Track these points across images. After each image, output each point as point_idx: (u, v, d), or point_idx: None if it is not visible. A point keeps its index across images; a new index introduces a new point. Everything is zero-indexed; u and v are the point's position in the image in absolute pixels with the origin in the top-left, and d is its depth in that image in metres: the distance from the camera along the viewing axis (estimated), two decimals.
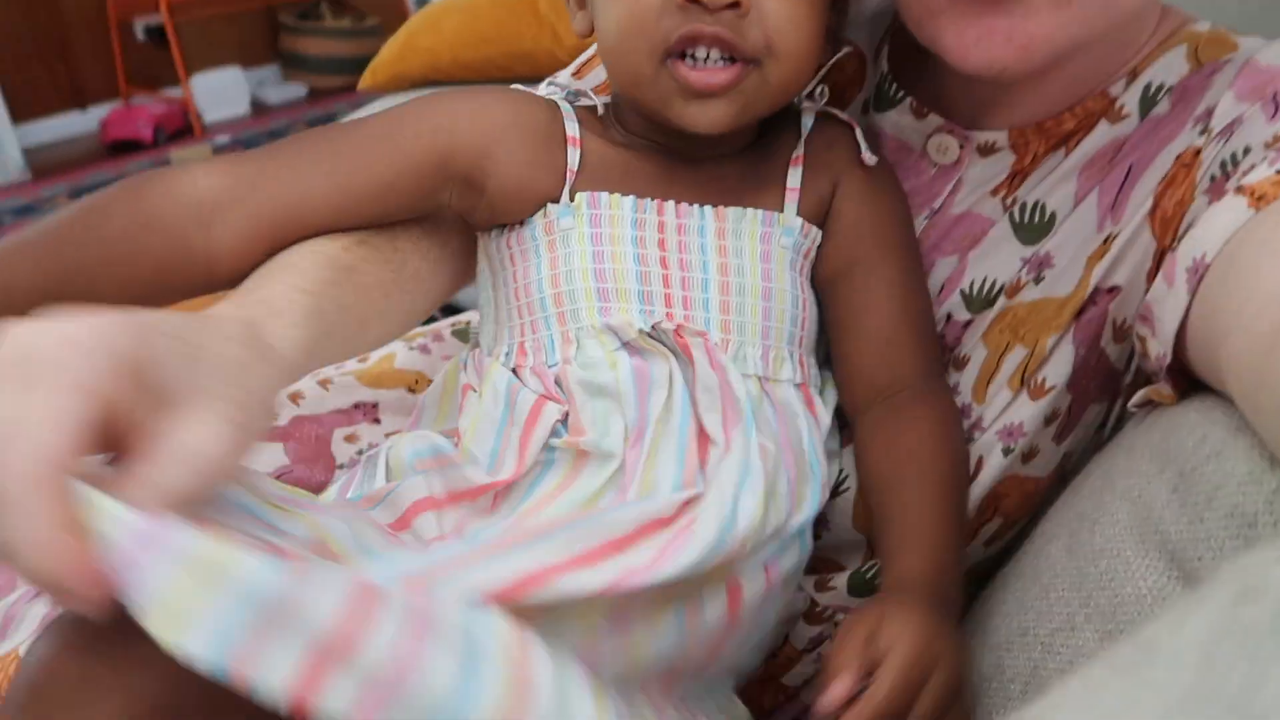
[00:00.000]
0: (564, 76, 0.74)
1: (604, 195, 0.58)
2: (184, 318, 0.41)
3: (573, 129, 0.60)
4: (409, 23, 2.27)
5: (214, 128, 3.83)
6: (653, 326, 0.56)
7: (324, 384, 0.84)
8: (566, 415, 0.55)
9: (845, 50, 0.65)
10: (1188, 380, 0.50)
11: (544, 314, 0.58)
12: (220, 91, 3.92)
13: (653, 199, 0.59)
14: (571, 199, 0.58)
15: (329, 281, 0.55)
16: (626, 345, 0.55)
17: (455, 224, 0.66)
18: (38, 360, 0.34)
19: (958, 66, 0.54)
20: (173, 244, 0.54)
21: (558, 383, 0.56)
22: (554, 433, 0.54)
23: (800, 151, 0.62)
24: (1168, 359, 0.49)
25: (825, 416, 0.61)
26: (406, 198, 0.60)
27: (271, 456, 0.77)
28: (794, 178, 0.61)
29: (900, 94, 0.66)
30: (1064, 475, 0.64)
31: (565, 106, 0.62)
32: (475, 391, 0.60)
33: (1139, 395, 0.53)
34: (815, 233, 0.62)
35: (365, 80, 2.29)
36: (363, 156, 0.58)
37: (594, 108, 0.63)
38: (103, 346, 0.34)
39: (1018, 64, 0.52)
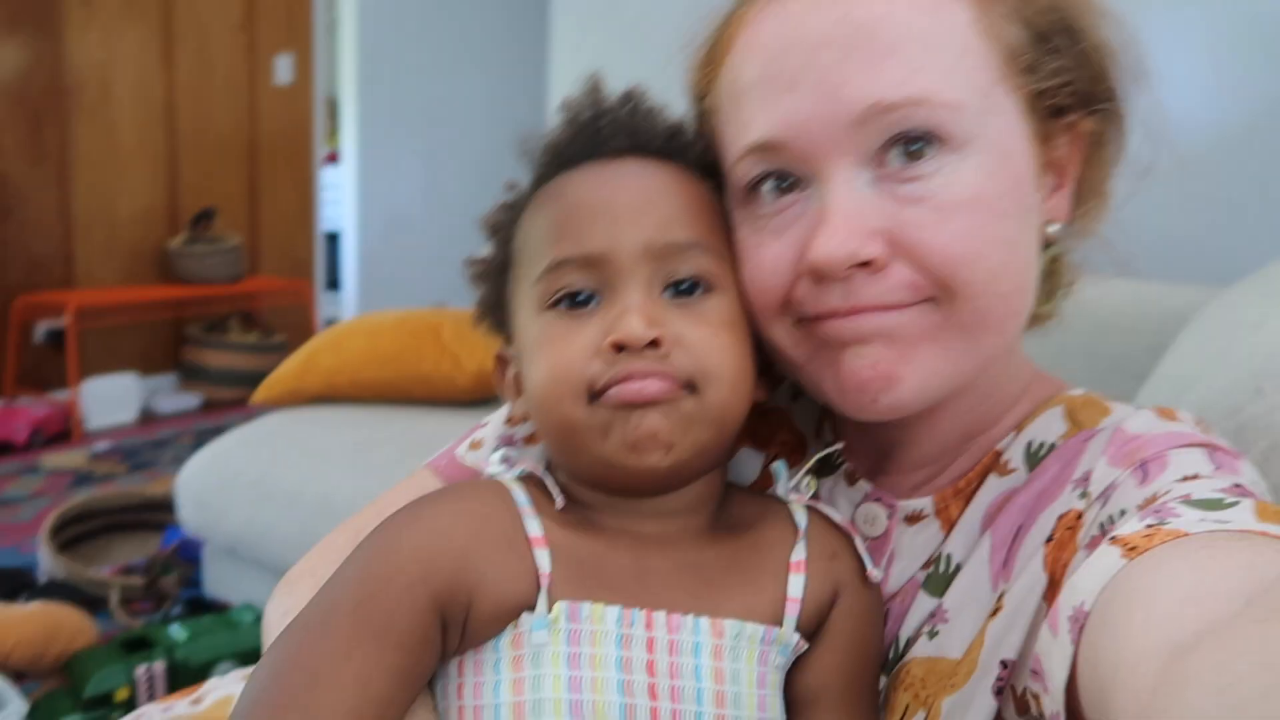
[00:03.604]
0: (496, 423, 0.71)
1: (585, 606, 0.52)
2: None
3: (533, 528, 0.54)
4: (312, 341, 2.31)
5: (95, 434, 3.73)
6: None
7: None
8: None
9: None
10: None
11: None
12: (110, 397, 3.87)
13: (640, 608, 0.52)
14: (549, 608, 0.51)
15: None
16: None
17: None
18: None
19: (843, 410, 0.57)
20: None
21: None
22: None
23: (803, 556, 0.57)
24: (1061, 718, 0.46)
25: None
26: (426, 670, 0.52)
27: None
28: (795, 586, 0.56)
29: (841, 460, 0.66)
30: None
31: (517, 493, 0.56)
32: None
33: None
34: (804, 646, 0.56)
35: (260, 394, 2.28)
36: (367, 661, 0.49)
37: (540, 480, 0.58)
38: None
39: (893, 399, 0.54)
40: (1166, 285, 1.71)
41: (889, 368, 0.54)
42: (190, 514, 2.07)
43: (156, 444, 3.65)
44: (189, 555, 2.30)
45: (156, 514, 2.56)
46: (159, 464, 3.40)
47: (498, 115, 5.40)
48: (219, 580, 2.18)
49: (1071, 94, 0.55)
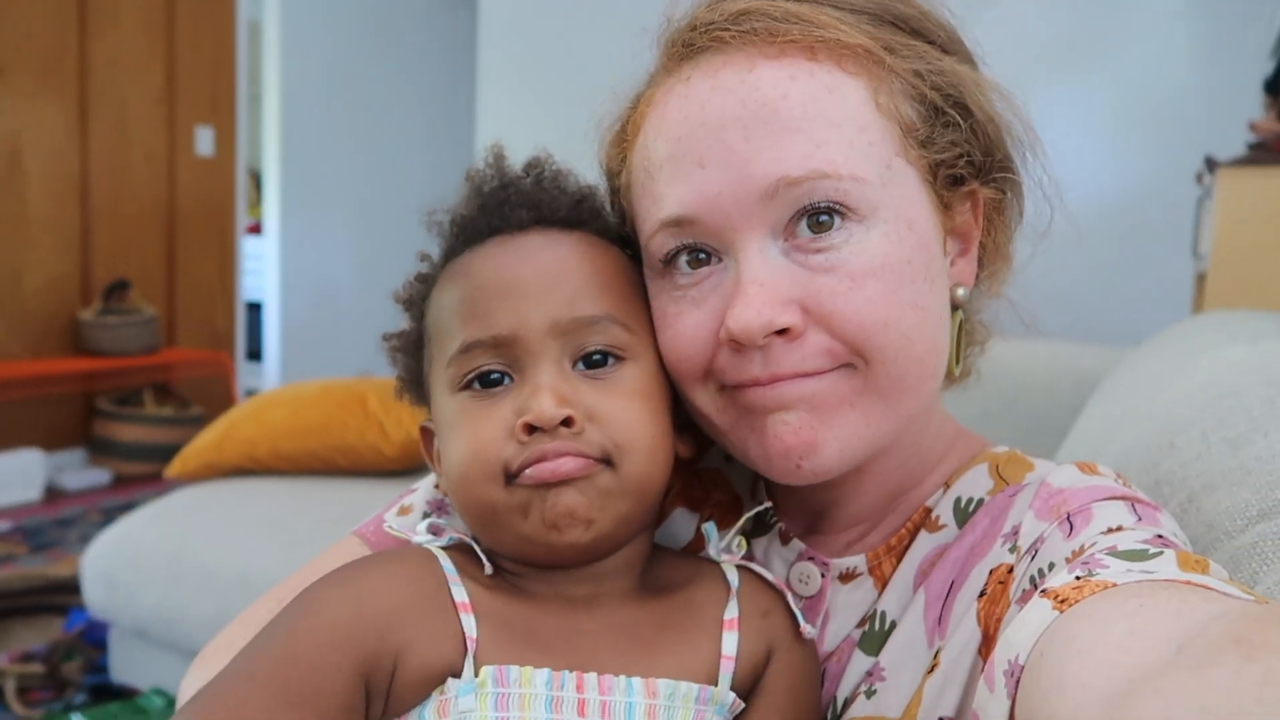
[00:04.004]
0: (425, 489, 0.70)
1: (513, 670, 0.50)
2: None
3: (460, 594, 0.53)
4: (230, 412, 2.25)
5: None
6: None
7: None
8: None
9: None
10: None
11: None
12: (12, 475, 3.69)
13: (571, 670, 0.51)
14: (476, 673, 0.50)
15: None
16: None
17: None
18: None
19: (769, 475, 0.57)
20: None
21: None
22: None
23: (735, 614, 0.57)
24: None
25: None
26: None
27: None
28: (729, 644, 0.56)
29: (774, 519, 0.66)
30: None
31: (444, 561, 0.55)
32: None
33: None
34: (740, 706, 0.55)
35: (174, 468, 2.21)
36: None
37: (469, 547, 0.57)
38: None
39: (816, 463, 0.55)
40: (1079, 347, 1.78)
41: (811, 434, 0.55)
42: (97, 595, 1.97)
43: (61, 522, 3.48)
44: (94, 639, 2.19)
45: (60, 596, 2.44)
46: (64, 543, 3.24)
47: (425, 184, 5.42)
48: (127, 665, 2.07)
49: (968, 164, 0.58)
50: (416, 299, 0.62)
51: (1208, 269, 2.09)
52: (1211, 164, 2.19)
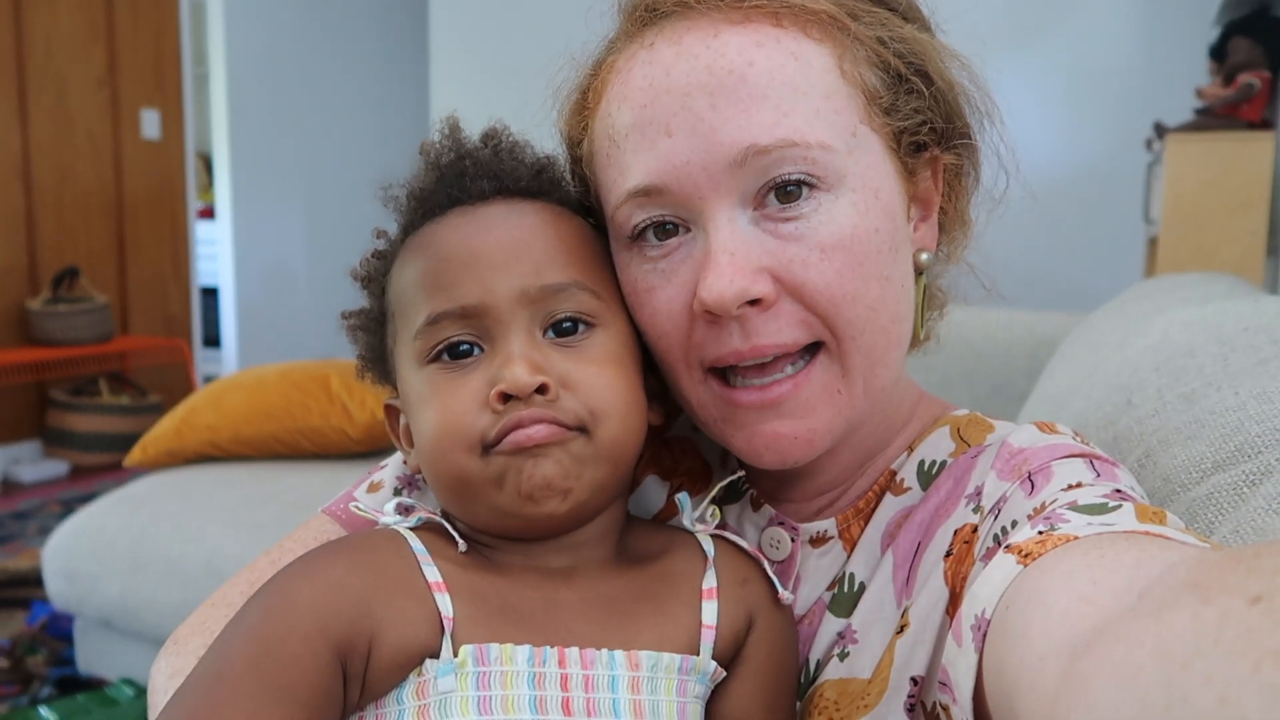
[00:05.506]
0: (395, 465, 0.70)
1: (494, 648, 0.50)
2: None
3: (432, 574, 0.52)
4: (190, 399, 2.21)
5: None
6: None
7: None
8: None
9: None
10: None
11: None
12: None
13: (552, 645, 0.51)
14: (455, 653, 0.50)
15: None
16: None
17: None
18: None
19: (752, 464, 0.58)
20: None
21: None
22: None
23: (714, 583, 0.58)
24: None
25: None
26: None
27: None
28: (709, 613, 0.56)
29: (746, 486, 0.67)
30: None
31: (413, 542, 0.54)
32: None
33: None
34: (722, 674, 0.56)
35: (134, 456, 2.17)
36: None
37: (439, 526, 0.57)
38: None
39: (805, 456, 0.57)
40: (1035, 314, 1.81)
41: (808, 434, 0.56)
42: (59, 587, 1.94)
43: (19, 515, 3.41)
44: (59, 631, 2.16)
45: (21, 590, 2.39)
46: (23, 536, 3.18)
47: (377, 162, 5.34)
48: (94, 656, 2.04)
49: (930, 131, 0.58)
50: (376, 275, 0.61)
51: (1159, 233, 2.13)
52: (1160, 130, 2.23)
